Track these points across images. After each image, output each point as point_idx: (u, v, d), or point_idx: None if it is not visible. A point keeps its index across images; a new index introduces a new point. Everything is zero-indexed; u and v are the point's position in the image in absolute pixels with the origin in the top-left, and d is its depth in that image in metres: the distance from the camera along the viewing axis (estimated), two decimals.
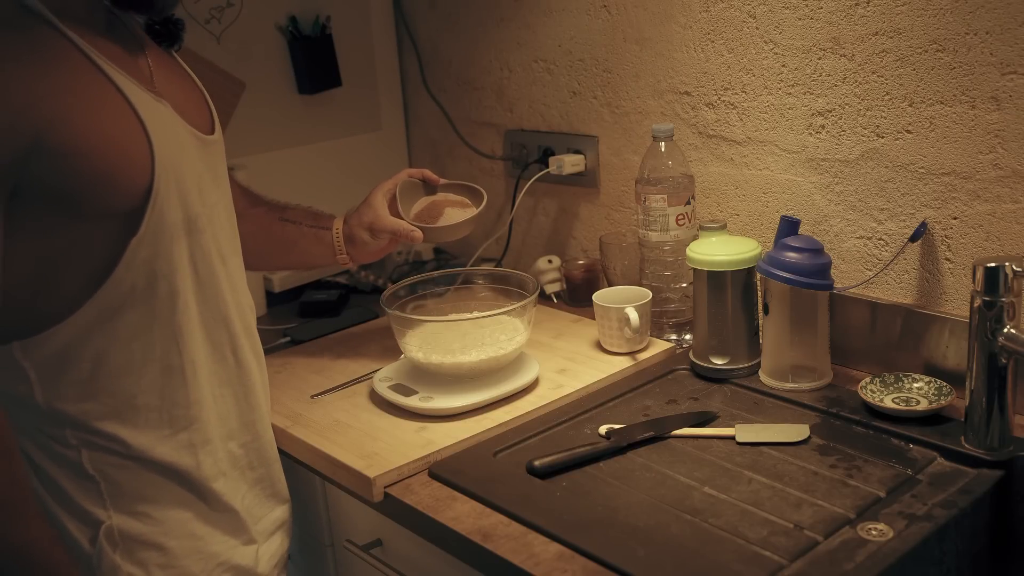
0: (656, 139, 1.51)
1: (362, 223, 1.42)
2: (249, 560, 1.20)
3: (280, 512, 1.28)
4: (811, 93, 1.40)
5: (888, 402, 1.26)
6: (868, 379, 1.30)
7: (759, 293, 1.38)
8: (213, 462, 1.15)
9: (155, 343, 1.08)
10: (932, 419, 1.22)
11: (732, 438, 1.24)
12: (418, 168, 1.51)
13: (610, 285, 1.64)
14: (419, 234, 1.39)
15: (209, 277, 1.13)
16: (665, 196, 1.49)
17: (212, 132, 1.17)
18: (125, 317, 1.05)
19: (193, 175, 1.10)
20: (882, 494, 1.10)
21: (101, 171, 0.99)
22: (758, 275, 1.36)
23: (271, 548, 1.25)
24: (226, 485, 1.17)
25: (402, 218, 1.44)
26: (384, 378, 1.42)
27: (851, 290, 1.39)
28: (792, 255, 1.30)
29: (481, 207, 1.44)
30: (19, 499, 1.00)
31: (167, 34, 1.18)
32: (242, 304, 1.19)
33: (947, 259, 1.31)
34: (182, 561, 1.12)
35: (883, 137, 1.34)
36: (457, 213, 1.46)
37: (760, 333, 1.40)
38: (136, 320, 1.06)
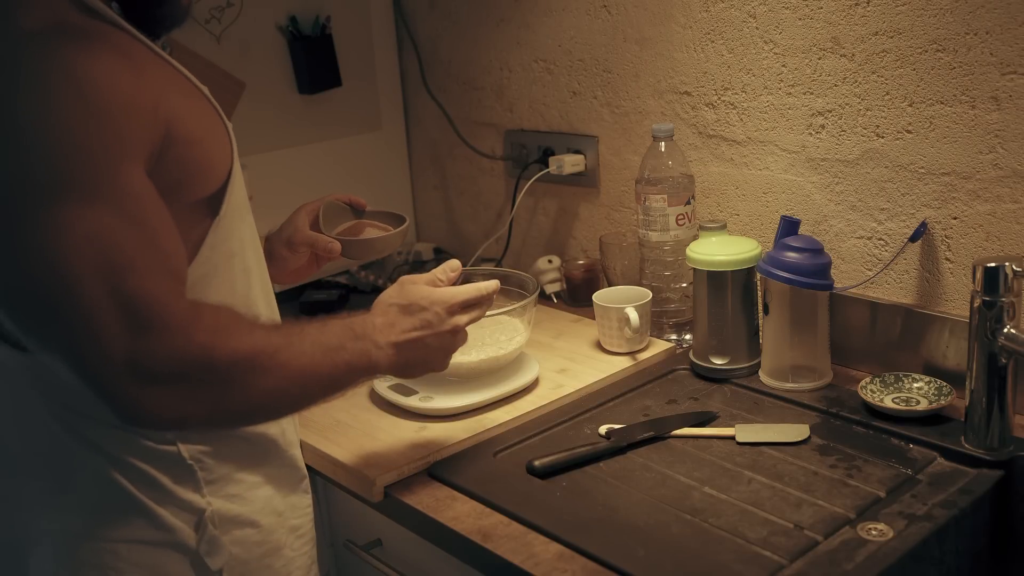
0: (656, 139, 1.51)
1: (281, 239, 1.40)
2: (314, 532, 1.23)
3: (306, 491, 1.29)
4: (811, 93, 1.40)
5: (888, 402, 1.26)
6: (868, 379, 1.30)
7: (759, 293, 1.38)
8: (293, 429, 1.19)
9: None
10: (932, 419, 1.22)
11: (732, 438, 1.24)
12: (344, 193, 1.49)
13: (610, 285, 1.64)
14: (337, 246, 1.37)
15: (260, 255, 1.16)
16: (665, 196, 1.49)
17: None
18: (210, 297, 1.06)
19: None
20: (882, 494, 1.10)
21: (206, 158, 1.02)
22: (758, 275, 1.36)
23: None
24: (298, 455, 1.19)
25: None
26: (384, 378, 1.42)
27: (851, 290, 1.39)
28: (792, 255, 1.30)
29: (401, 227, 1.43)
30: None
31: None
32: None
33: (947, 259, 1.31)
34: (272, 536, 1.14)
35: (883, 137, 1.34)
36: (377, 232, 1.46)
37: (760, 333, 1.40)
38: (220, 299, 1.06)
